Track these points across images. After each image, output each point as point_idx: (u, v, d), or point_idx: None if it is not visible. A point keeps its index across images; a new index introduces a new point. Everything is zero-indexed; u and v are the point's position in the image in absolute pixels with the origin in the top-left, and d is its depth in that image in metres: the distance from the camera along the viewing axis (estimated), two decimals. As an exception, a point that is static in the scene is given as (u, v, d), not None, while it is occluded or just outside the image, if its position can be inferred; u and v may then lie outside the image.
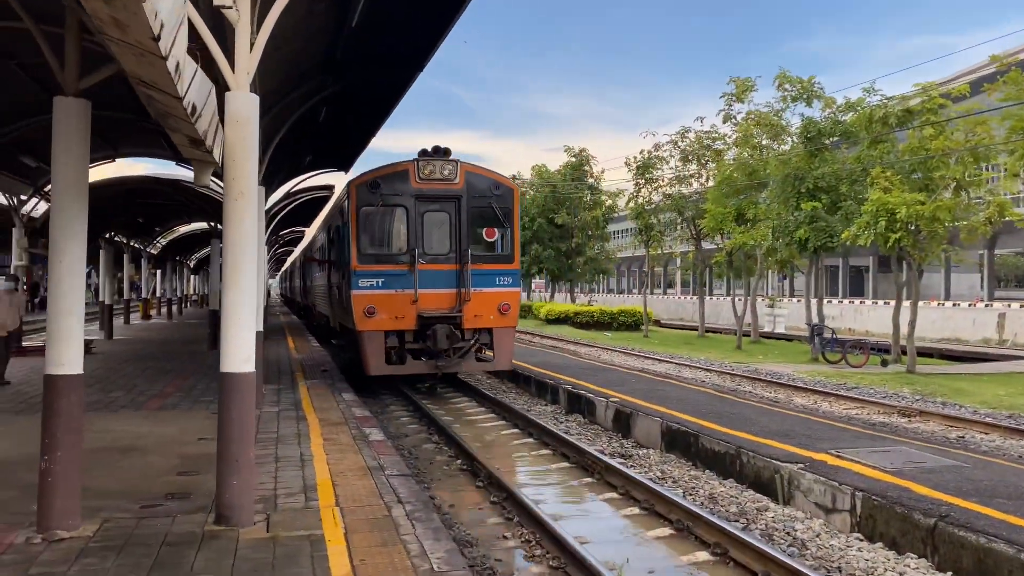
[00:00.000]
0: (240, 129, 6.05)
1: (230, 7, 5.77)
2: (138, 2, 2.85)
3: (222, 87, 6.07)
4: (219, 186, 12.52)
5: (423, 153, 15.32)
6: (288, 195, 23.88)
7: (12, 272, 18.23)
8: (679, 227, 36.38)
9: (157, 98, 4.52)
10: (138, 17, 2.98)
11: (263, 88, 10.06)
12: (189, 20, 5.57)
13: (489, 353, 15.46)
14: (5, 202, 18.85)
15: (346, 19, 10.23)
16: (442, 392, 16.71)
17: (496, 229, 15.47)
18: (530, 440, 11.80)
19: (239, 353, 6.14)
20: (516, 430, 12.57)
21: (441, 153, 15.30)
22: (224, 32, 6.29)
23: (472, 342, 15.13)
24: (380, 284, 14.71)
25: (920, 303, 24.58)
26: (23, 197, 18.19)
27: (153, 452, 8.70)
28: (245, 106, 6.09)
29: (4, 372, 13.89)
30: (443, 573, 5.28)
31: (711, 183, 31.59)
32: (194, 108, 4.90)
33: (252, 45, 6.03)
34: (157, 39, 3.26)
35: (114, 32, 3.22)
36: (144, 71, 3.92)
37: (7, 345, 14.21)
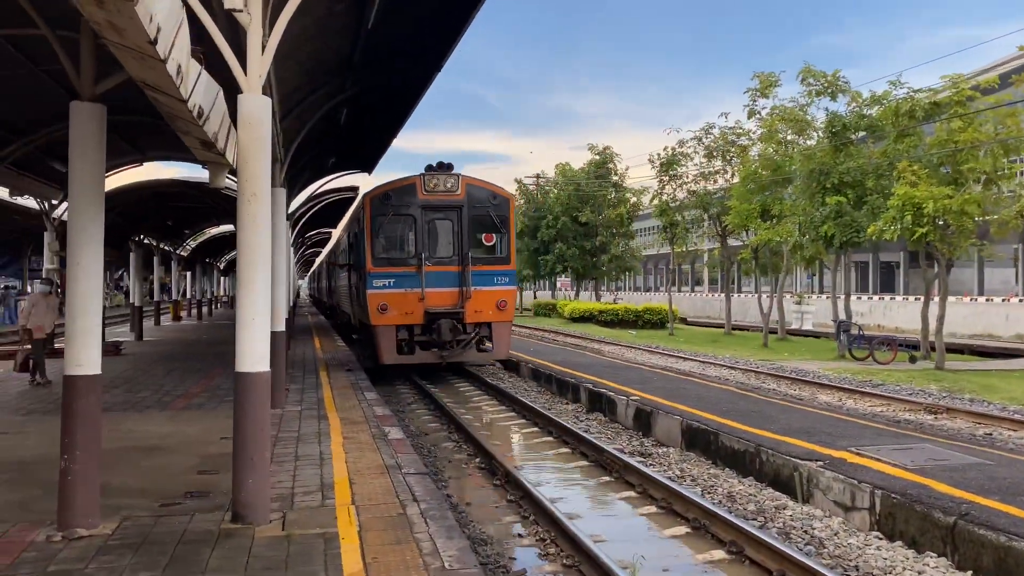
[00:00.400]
0: (253, 131, 6.07)
1: (240, 10, 5.81)
2: (131, 6, 2.88)
3: (235, 89, 6.12)
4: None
5: (429, 168, 17.15)
6: (313, 197, 24.11)
7: (46, 276, 18.55)
8: (705, 224, 36.13)
9: (162, 101, 4.57)
10: (133, 21, 3.01)
11: (281, 90, 10.15)
12: (200, 23, 5.64)
13: (489, 344, 17.20)
14: (37, 207, 19.19)
15: (363, 19, 10.27)
16: (464, 391, 16.75)
17: (494, 234, 17.25)
18: (550, 438, 11.77)
19: (253, 353, 6.18)
20: (536, 428, 12.55)
21: (445, 168, 17.13)
22: (237, 34, 6.33)
23: (473, 335, 16.93)
24: (392, 284, 16.51)
25: (952, 299, 24.16)
26: (54, 202, 18.48)
27: (176, 451, 8.80)
28: (257, 108, 6.11)
29: (44, 371, 14.15)
30: (454, 571, 5.27)
31: (736, 179, 31.31)
32: (200, 111, 4.93)
33: (264, 48, 6.06)
34: (154, 42, 3.29)
35: (112, 36, 3.25)
36: (147, 74, 3.96)
37: (44, 346, 14.48)
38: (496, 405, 14.92)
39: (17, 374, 14.46)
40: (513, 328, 37.47)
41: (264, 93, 6.19)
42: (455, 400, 15.30)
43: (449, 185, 16.97)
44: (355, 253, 19.09)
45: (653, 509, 8.11)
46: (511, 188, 54.93)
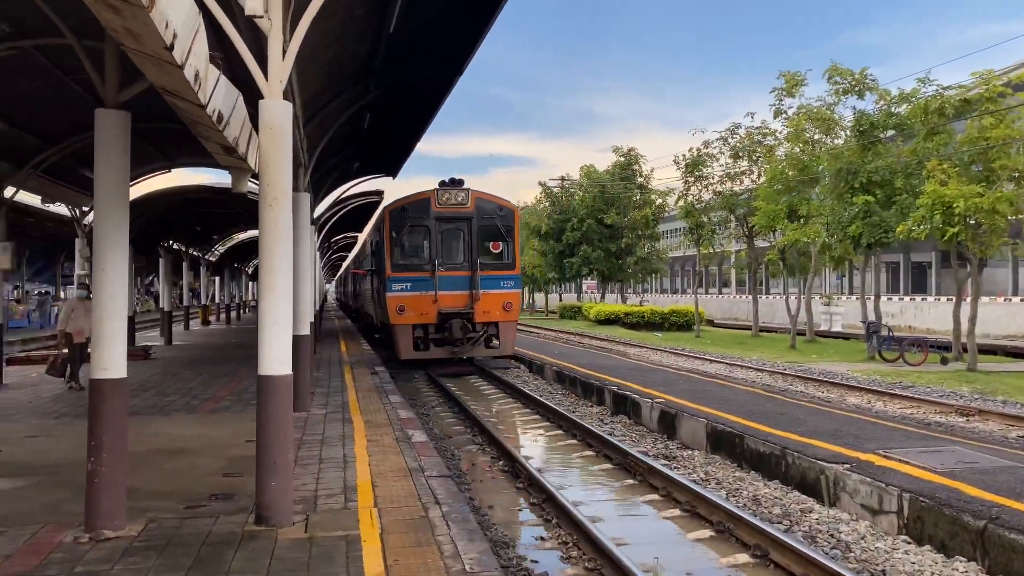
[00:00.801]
0: (274, 136, 6.11)
1: (261, 16, 5.86)
2: (145, 12, 2.92)
3: (257, 94, 6.17)
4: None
5: (442, 184, 19.30)
6: (339, 201, 24.25)
7: (83, 281, 18.86)
8: (731, 225, 35.82)
9: (182, 106, 4.62)
10: (148, 27, 3.05)
11: (304, 95, 10.23)
12: (221, 29, 5.70)
13: (496, 342, 19.16)
14: (69, 214, 19.54)
15: (384, 24, 10.33)
16: (488, 394, 16.76)
17: (500, 242, 19.27)
18: (574, 441, 11.74)
19: (275, 356, 6.22)
20: (560, 431, 12.51)
21: (456, 183, 19.27)
22: (258, 40, 6.39)
23: (482, 333, 18.87)
24: (409, 287, 18.58)
25: (985, 299, 23.77)
26: (84, 208, 18.80)
27: (202, 454, 8.89)
28: (279, 113, 6.15)
29: (78, 376, 14.33)
30: (475, 573, 5.26)
31: (762, 180, 31.05)
32: (220, 116, 4.98)
33: (284, 53, 6.11)
34: (170, 48, 3.33)
35: (130, 42, 3.30)
36: (165, 80, 4.01)
37: (83, 350, 14.67)
38: (521, 408, 14.91)
39: (50, 377, 14.68)
40: (538, 331, 37.69)
41: (285, 98, 6.24)
42: (479, 403, 15.31)
43: (460, 199, 19.00)
44: (376, 259, 20.90)
45: (677, 512, 8.05)
46: (536, 191, 54.96)
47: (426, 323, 18.60)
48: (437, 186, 19.28)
